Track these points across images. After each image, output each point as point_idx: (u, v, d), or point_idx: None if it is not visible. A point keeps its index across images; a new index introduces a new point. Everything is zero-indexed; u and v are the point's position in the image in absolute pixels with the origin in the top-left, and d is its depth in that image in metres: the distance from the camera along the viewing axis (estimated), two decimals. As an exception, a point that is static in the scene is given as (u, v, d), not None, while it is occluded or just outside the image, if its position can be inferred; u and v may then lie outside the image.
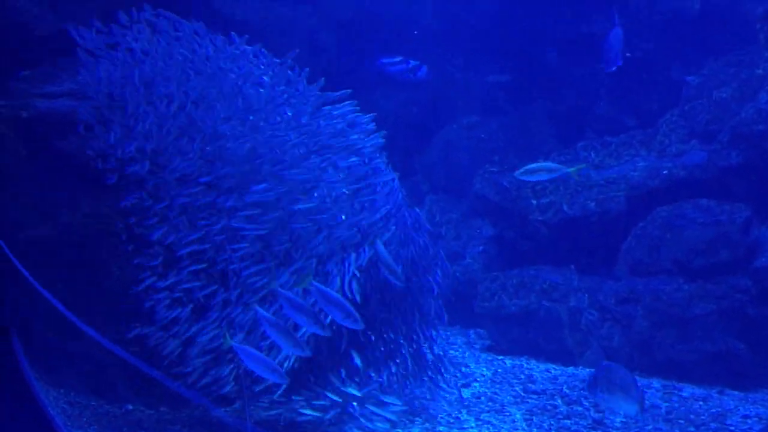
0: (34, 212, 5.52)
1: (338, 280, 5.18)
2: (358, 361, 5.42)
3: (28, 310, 5.34)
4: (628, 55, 7.15)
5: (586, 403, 6.30)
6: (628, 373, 5.03)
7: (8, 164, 5.51)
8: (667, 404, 6.38)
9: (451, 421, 5.91)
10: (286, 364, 5.08)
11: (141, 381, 5.42)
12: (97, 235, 5.50)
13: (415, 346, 5.93)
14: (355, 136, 5.65)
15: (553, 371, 7.19)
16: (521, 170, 5.91)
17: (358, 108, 5.72)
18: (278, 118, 5.43)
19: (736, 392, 6.69)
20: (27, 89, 5.67)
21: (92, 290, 5.48)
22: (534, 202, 8.11)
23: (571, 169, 5.98)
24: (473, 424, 5.86)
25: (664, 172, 7.72)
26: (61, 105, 5.51)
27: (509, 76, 9.51)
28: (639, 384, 4.97)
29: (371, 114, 5.75)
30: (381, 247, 5.20)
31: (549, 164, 6.13)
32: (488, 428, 5.82)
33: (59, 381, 5.56)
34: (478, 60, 9.59)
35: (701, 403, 6.43)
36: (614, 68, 6.68)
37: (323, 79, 5.67)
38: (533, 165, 5.98)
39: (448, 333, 8.28)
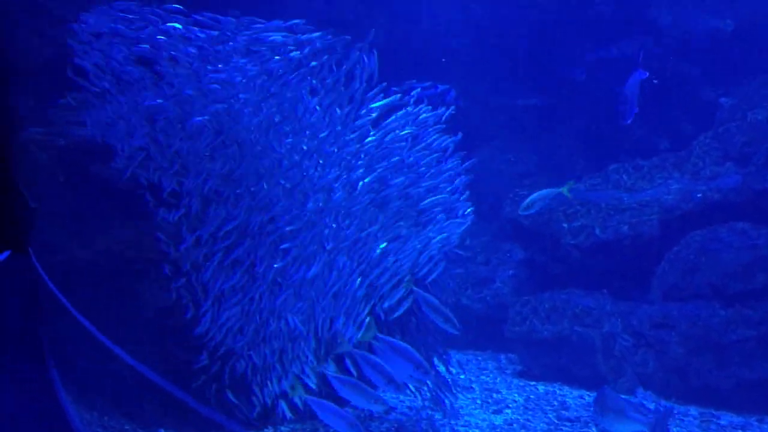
0: (69, 236, 5.60)
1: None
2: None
3: (62, 333, 5.39)
4: (654, 81, 7.13)
5: None
6: (622, 398, 5.36)
7: (46, 190, 5.61)
8: (705, 433, 6.24)
9: (484, 448, 5.83)
10: None
11: (173, 405, 5.43)
12: (131, 259, 5.57)
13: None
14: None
15: (586, 398, 7.06)
16: (521, 208, 6.28)
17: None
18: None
19: (776, 421, 6.53)
20: (64, 117, 5.77)
21: (126, 313, 5.53)
22: (565, 225, 8.04)
23: (562, 188, 6.35)
24: (506, 452, 5.77)
25: (698, 195, 7.62)
26: (96, 133, 5.59)
27: (539, 99, 9.48)
28: (644, 408, 5.35)
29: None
30: (431, 297, 5.19)
31: (541, 192, 6.37)
32: (521, 456, 5.72)
33: (93, 404, 5.60)
34: (508, 83, 9.59)
35: (740, 431, 6.27)
36: (629, 121, 6.69)
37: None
38: (529, 199, 6.27)
39: (479, 358, 8.20)
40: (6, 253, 5.18)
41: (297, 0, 6.63)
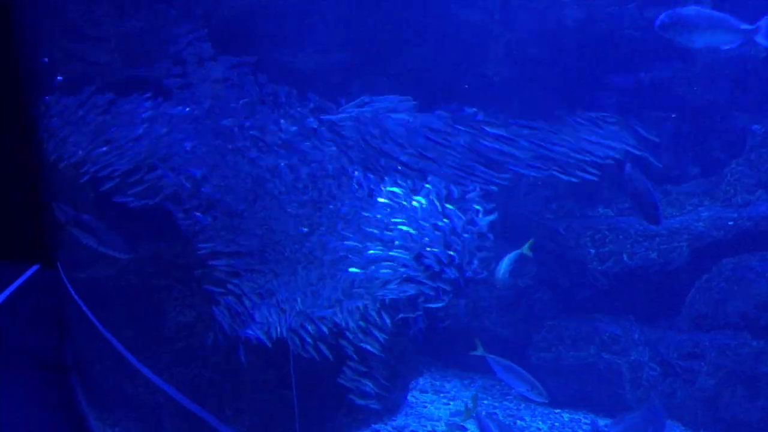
0: (96, 254, 5.66)
1: None
2: None
3: (87, 349, 5.43)
4: (673, 116, 7.09)
5: (648, 463, 6.04)
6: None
7: (76, 208, 5.69)
8: (734, 467, 6.08)
9: (506, 476, 5.74)
10: None
11: (195, 424, 5.43)
12: (155, 277, 5.61)
13: None
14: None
15: (612, 427, 6.93)
16: (498, 279, 6.69)
17: None
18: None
19: (809, 456, 6.35)
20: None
21: (150, 330, 5.57)
22: (592, 251, 7.94)
23: (524, 248, 6.86)
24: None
25: (730, 222, 7.49)
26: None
27: (567, 122, 9.43)
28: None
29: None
30: (510, 363, 5.22)
31: (507, 258, 6.81)
32: (544, 485, 5.62)
33: (115, 421, 5.62)
34: (535, 106, 9.56)
35: (772, 466, 6.11)
36: (661, 222, 6.70)
37: None
38: (500, 265, 6.71)
39: (503, 383, 8.09)
40: (35, 268, 5.26)
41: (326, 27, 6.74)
